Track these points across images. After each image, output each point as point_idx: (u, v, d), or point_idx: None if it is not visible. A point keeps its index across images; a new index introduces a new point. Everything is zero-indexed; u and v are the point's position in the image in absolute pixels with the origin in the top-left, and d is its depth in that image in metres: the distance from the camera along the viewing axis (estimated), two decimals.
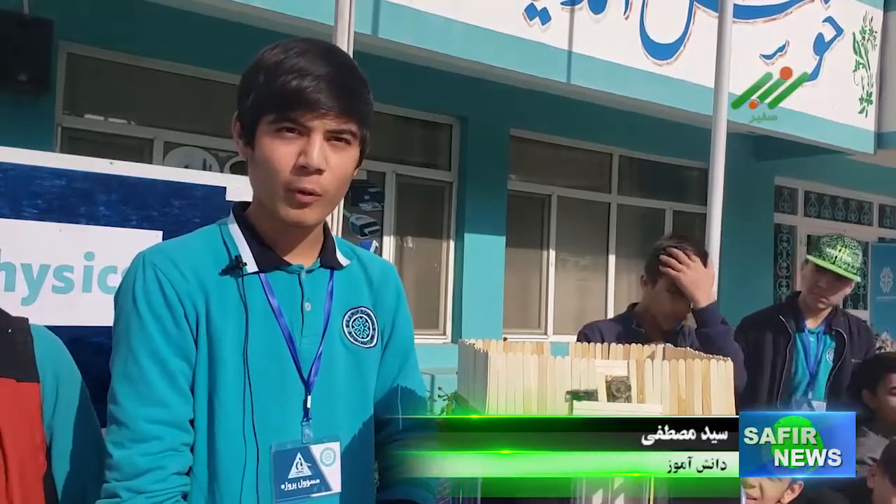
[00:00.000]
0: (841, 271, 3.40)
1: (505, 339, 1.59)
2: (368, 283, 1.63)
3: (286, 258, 1.51)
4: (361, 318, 1.59)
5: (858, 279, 3.58)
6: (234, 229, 1.52)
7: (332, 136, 1.42)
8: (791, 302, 3.62)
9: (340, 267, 1.59)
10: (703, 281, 2.83)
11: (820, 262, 3.42)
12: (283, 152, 1.40)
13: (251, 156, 1.46)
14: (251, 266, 1.48)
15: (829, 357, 3.52)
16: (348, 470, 1.52)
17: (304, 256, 1.53)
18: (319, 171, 1.41)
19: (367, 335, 1.59)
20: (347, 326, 1.56)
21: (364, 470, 1.57)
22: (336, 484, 1.50)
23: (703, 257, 2.93)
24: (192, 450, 1.43)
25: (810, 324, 3.54)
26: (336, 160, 1.42)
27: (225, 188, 2.14)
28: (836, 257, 3.42)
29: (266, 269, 1.49)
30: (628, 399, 1.18)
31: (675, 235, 3.10)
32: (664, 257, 2.85)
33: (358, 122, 1.44)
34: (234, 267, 1.46)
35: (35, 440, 1.45)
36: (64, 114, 5.53)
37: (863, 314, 11.22)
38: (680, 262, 2.82)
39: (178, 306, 1.42)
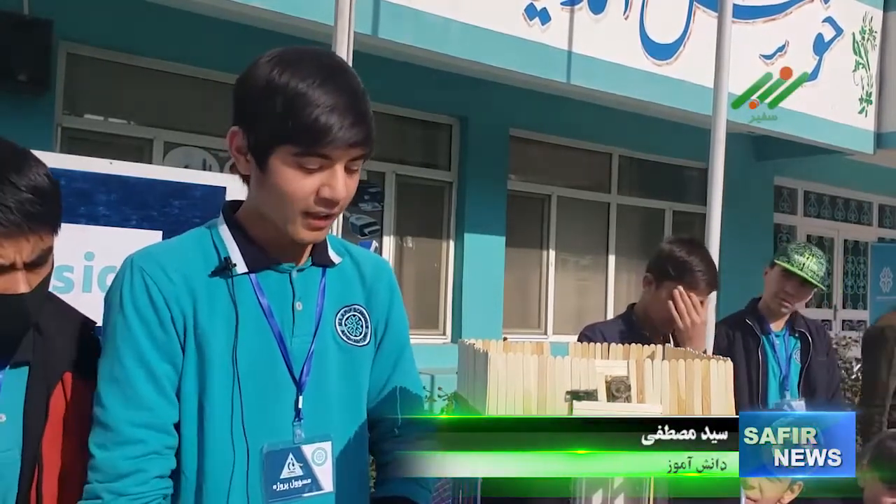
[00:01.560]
0: (808, 278, 3.49)
1: (505, 339, 1.59)
2: (361, 280, 1.62)
3: (277, 258, 1.51)
4: (354, 315, 1.58)
5: (823, 288, 3.71)
6: (224, 230, 1.51)
7: (350, 163, 1.43)
8: (753, 307, 3.68)
9: (332, 265, 1.58)
10: (700, 332, 2.84)
11: (789, 266, 3.50)
12: (304, 183, 1.40)
13: (258, 175, 1.45)
14: (241, 267, 1.48)
15: (796, 358, 3.61)
16: (341, 469, 1.52)
17: (295, 256, 1.53)
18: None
19: (361, 333, 1.58)
20: (340, 325, 1.56)
21: (357, 469, 1.57)
22: (328, 484, 1.50)
23: (712, 267, 2.92)
24: (180, 452, 1.43)
25: (774, 327, 3.63)
26: (351, 184, 1.45)
27: (225, 188, 2.14)
28: (803, 264, 3.50)
29: (256, 269, 1.49)
30: (628, 399, 1.18)
31: (683, 239, 3.06)
32: (676, 295, 2.83)
33: (371, 147, 1.45)
34: (224, 268, 1.46)
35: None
36: (64, 114, 5.53)
37: (862, 314, 11.24)
38: (687, 310, 2.80)
39: (164, 310, 1.42)
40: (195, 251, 1.49)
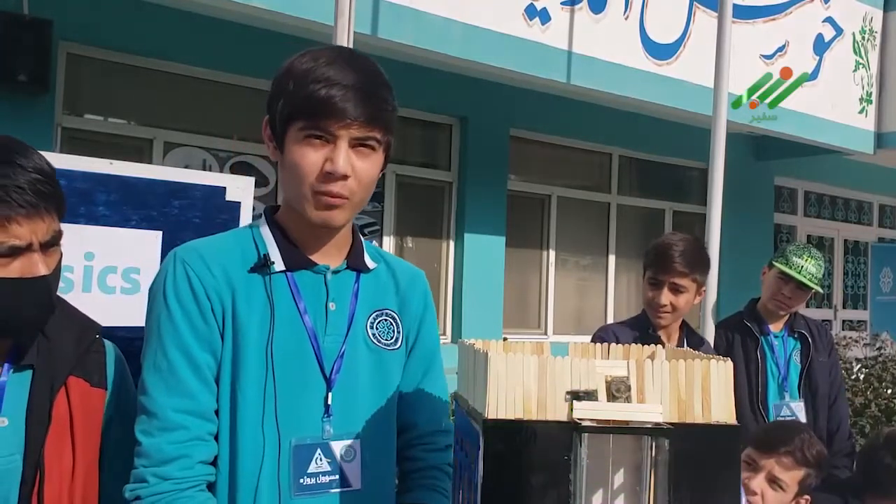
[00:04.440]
0: (805, 281, 3.45)
1: (505, 339, 1.59)
2: (395, 287, 1.66)
3: (313, 259, 1.54)
4: (386, 320, 1.61)
5: (821, 290, 3.72)
6: (265, 230, 1.56)
7: (358, 143, 1.46)
8: (752, 308, 3.66)
9: (367, 269, 1.61)
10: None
11: (786, 269, 3.46)
12: (310, 158, 1.44)
13: (281, 159, 1.50)
14: (279, 265, 1.51)
15: (796, 359, 3.58)
16: (369, 468, 1.54)
17: (331, 258, 1.56)
18: (345, 177, 1.45)
19: (392, 337, 1.61)
20: (371, 328, 1.59)
21: (385, 469, 1.59)
22: (356, 481, 1.52)
23: (691, 251, 2.91)
24: (216, 439, 1.46)
25: (773, 328, 3.60)
26: (361, 166, 1.46)
27: (225, 188, 2.14)
28: (802, 266, 3.46)
29: (293, 268, 1.52)
30: (628, 399, 1.17)
31: (674, 234, 3.11)
32: None
33: (382, 130, 1.48)
34: (263, 265, 1.50)
35: (96, 443, 1.52)
36: (64, 114, 5.53)
37: (862, 314, 11.23)
38: None
39: (205, 301, 1.46)
40: (235, 247, 1.53)
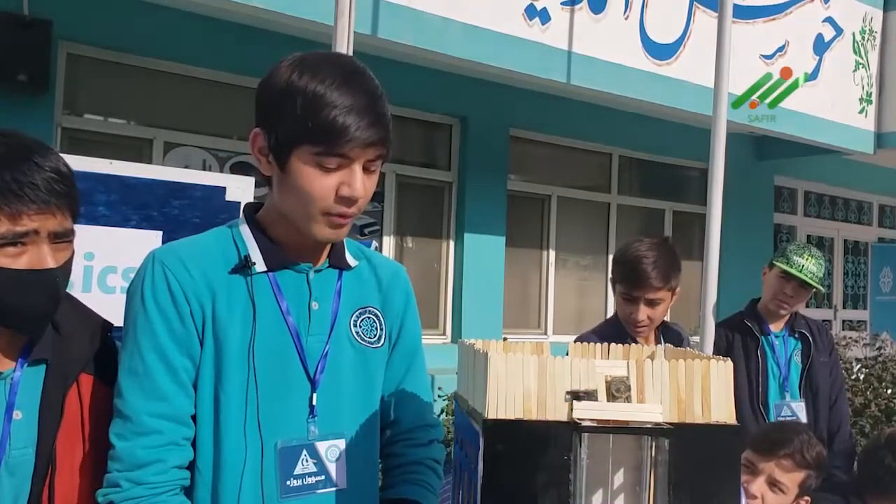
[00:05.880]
0: (807, 280, 3.44)
1: (505, 339, 1.59)
2: (377, 284, 1.65)
3: (295, 258, 1.53)
4: (369, 318, 1.61)
5: (823, 289, 3.72)
6: (245, 230, 1.54)
7: (368, 163, 1.45)
8: (752, 308, 3.65)
9: (349, 267, 1.60)
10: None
11: (788, 268, 3.45)
12: (324, 182, 1.43)
13: (280, 176, 1.47)
14: (260, 265, 1.50)
15: (797, 358, 3.58)
16: (354, 467, 1.54)
17: (313, 256, 1.55)
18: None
19: (375, 335, 1.61)
20: (355, 326, 1.58)
21: (369, 467, 1.59)
22: (341, 480, 1.52)
23: (673, 258, 2.81)
24: (195, 444, 1.45)
25: (774, 328, 3.59)
26: (369, 184, 1.47)
27: (225, 188, 2.14)
28: (802, 266, 3.45)
29: (274, 268, 1.51)
30: (628, 399, 1.17)
31: (642, 238, 2.96)
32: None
33: (388, 147, 1.48)
34: (244, 266, 1.49)
35: (105, 440, 1.52)
36: (63, 114, 5.52)
37: (862, 314, 11.23)
38: None
39: (184, 304, 1.45)
40: (216, 249, 1.52)
